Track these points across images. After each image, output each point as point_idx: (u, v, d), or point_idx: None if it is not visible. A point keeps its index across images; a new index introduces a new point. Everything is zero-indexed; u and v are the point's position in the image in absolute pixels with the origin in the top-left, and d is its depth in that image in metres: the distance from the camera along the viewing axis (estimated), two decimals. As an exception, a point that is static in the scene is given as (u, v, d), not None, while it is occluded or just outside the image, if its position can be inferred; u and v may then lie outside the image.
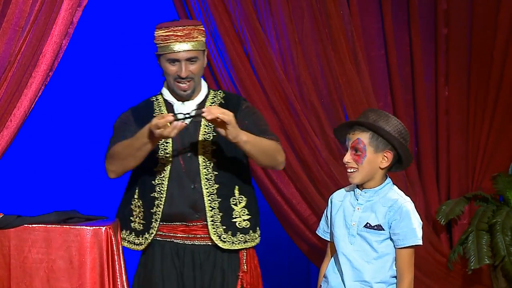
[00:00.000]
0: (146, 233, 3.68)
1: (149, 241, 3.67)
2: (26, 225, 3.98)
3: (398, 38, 4.94)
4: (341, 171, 4.64)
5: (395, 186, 3.54)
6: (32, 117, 4.32)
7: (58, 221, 4.05)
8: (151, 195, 3.66)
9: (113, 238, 3.98)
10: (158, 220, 3.64)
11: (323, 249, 3.78)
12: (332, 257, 3.55)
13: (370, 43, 4.92)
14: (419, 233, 3.43)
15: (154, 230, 3.65)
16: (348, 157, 3.43)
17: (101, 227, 3.99)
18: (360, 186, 3.49)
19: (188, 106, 3.64)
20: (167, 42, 3.55)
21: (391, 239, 3.44)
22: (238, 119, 3.52)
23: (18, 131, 4.20)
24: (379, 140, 3.41)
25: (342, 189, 3.59)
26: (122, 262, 4.09)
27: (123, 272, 4.07)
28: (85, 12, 4.25)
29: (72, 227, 4.01)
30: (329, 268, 3.55)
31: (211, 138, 3.61)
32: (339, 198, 3.57)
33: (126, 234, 3.78)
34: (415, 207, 3.49)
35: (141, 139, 3.48)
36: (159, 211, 3.64)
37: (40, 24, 4.11)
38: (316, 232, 3.68)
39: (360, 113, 3.55)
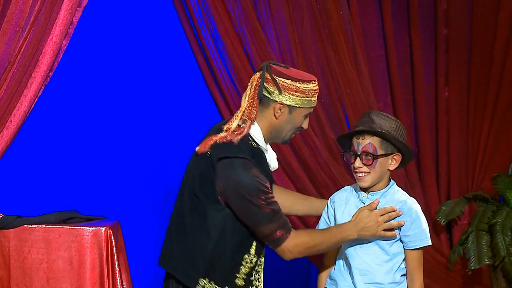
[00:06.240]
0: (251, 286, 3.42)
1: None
2: (26, 226, 3.99)
3: (398, 38, 4.94)
4: (340, 171, 4.63)
5: (397, 186, 3.54)
6: (32, 117, 4.33)
7: (58, 221, 4.06)
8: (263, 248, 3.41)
9: (112, 239, 3.99)
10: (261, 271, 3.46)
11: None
12: (340, 260, 3.52)
13: (370, 43, 4.92)
14: (428, 233, 3.45)
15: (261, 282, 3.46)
16: (359, 162, 3.39)
17: (101, 228, 4.01)
18: (366, 189, 3.47)
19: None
20: (315, 96, 3.36)
21: (401, 240, 3.44)
22: None
23: (18, 131, 4.20)
24: (388, 143, 3.40)
25: (341, 191, 3.55)
26: (122, 262, 4.09)
27: (123, 272, 4.08)
28: (85, 12, 4.25)
29: (72, 227, 4.02)
30: (335, 271, 3.52)
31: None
32: (342, 200, 3.51)
33: None
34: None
35: (345, 238, 3.37)
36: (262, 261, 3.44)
37: (40, 24, 4.11)
38: None
39: (360, 114, 3.51)
